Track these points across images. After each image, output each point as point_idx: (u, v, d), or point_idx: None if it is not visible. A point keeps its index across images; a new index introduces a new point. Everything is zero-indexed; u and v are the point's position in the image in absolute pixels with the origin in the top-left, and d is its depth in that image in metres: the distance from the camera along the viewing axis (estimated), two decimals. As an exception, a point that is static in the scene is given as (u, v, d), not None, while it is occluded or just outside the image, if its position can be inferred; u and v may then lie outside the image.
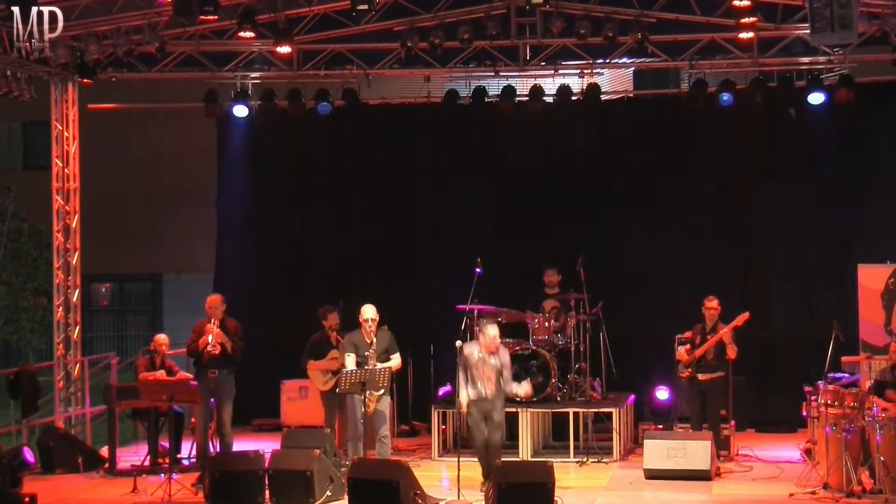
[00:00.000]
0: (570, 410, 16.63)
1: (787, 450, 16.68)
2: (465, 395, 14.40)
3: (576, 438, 16.68)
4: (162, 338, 16.71)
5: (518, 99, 18.95)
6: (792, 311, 19.18)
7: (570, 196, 19.58)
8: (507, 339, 16.84)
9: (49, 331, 20.77)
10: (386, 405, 14.62)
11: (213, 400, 15.38)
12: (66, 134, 18.66)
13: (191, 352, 15.48)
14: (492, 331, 14.43)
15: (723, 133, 19.24)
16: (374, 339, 14.51)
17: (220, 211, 20.93)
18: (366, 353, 14.45)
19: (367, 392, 14.20)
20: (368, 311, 14.60)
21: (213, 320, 15.27)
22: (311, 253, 20.18)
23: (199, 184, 23.67)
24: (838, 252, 18.94)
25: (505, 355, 14.61)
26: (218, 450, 15.41)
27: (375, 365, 14.34)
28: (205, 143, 21.51)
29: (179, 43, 18.36)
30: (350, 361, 14.49)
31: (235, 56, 18.91)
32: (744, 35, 17.87)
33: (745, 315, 16.12)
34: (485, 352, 14.41)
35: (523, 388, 14.61)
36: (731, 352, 16.11)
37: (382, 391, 14.42)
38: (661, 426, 17.19)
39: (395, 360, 14.70)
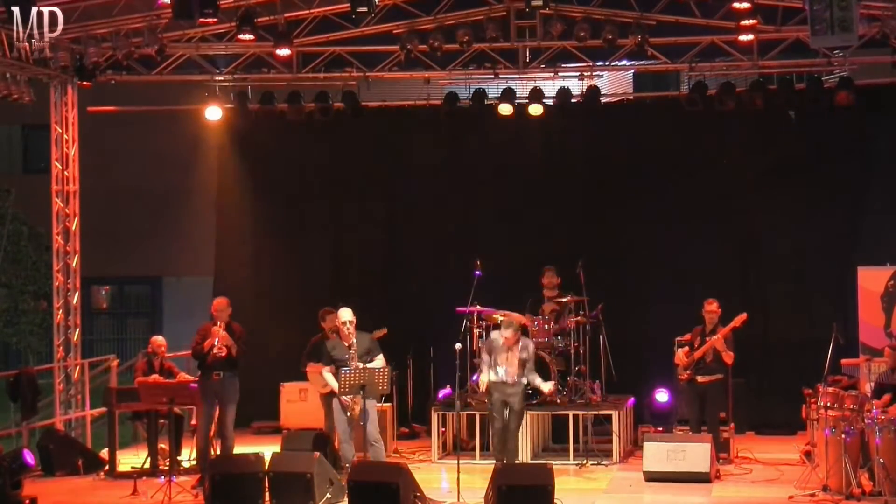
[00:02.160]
0: (570, 413, 16.62)
1: (786, 452, 16.66)
2: (486, 377, 15.03)
3: (575, 441, 16.68)
4: (159, 339, 16.70)
5: (517, 101, 18.96)
6: (791, 314, 19.16)
7: (570, 198, 19.59)
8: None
9: (49, 333, 20.77)
10: (373, 408, 14.54)
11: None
12: (65, 136, 18.66)
13: (195, 353, 15.47)
14: (505, 332, 14.96)
15: (722, 135, 19.24)
16: (354, 341, 14.48)
17: (219, 213, 20.95)
18: (345, 356, 14.43)
19: (349, 396, 14.19)
20: (345, 314, 14.60)
21: (219, 323, 15.27)
22: (310, 254, 20.19)
23: (199, 186, 23.70)
24: (838, 254, 18.92)
25: (530, 346, 15.13)
26: (218, 452, 15.41)
27: (357, 366, 14.28)
28: (204, 146, 21.51)
29: (179, 46, 18.37)
30: (330, 378, 14.56)
31: (235, 59, 18.92)
32: (744, 37, 17.86)
33: (743, 316, 16.13)
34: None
35: (547, 386, 15.30)
36: (728, 358, 16.10)
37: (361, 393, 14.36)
38: (660, 428, 17.17)
39: (380, 362, 14.59)
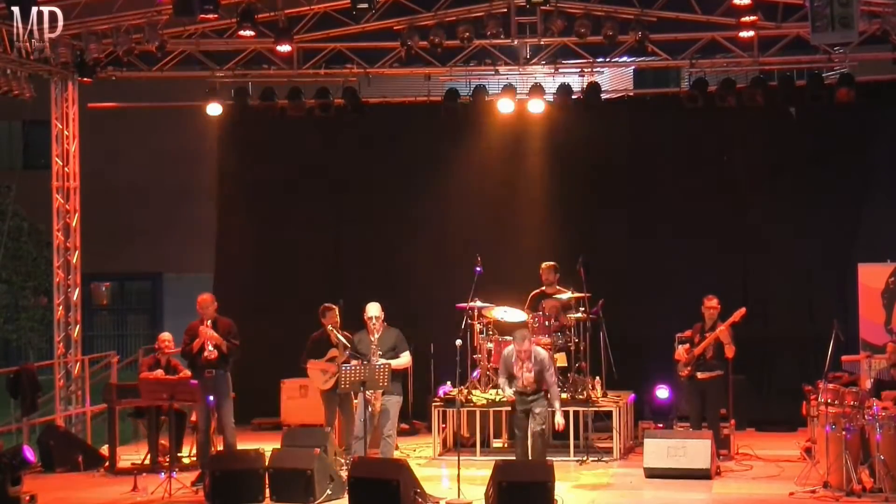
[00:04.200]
0: (571, 409, 16.60)
1: (787, 449, 16.67)
2: (509, 391, 14.89)
3: (576, 437, 16.68)
4: (166, 336, 16.68)
5: (518, 98, 18.96)
6: (792, 310, 19.17)
7: (570, 195, 19.58)
8: (507, 339, 16.88)
9: (49, 329, 20.77)
10: (394, 404, 14.54)
11: (211, 399, 15.31)
12: (66, 133, 18.67)
13: (185, 354, 15.39)
14: (517, 346, 14.78)
15: (723, 132, 19.24)
16: (377, 336, 14.46)
17: (219, 209, 20.94)
18: (368, 351, 14.42)
19: (371, 391, 14.18)
20: (372, 309, 14.56)
21: (205, 321, 15.19)
22: (311, 252, 20.19)
23: (199, 182, 23.67)
24: (838, 251, 18.93)
25: (542, 358, 14.88)
26: (220, 448, 15.39)
27: (364, 361, 14.25)
28: (205, 142, 21.51)
29: (179, 42, 18.37)
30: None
31: (235, 55, 18.92)
32: (744, 34, 17.85)
33: (742, 310, 16.13)
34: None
35: (559, 418, 14.84)
36: (729, 351, 16.11)
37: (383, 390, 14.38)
38: (661, 425, 17.18)
39: (404, 358, 14.60)
